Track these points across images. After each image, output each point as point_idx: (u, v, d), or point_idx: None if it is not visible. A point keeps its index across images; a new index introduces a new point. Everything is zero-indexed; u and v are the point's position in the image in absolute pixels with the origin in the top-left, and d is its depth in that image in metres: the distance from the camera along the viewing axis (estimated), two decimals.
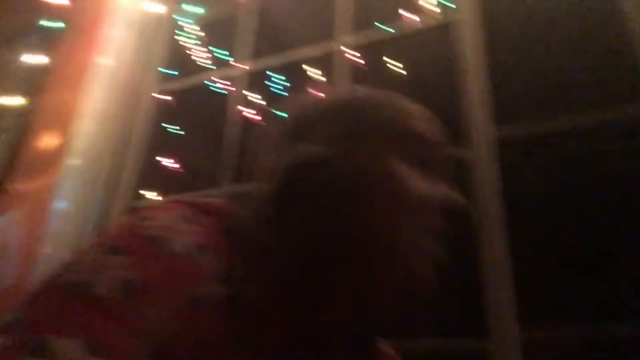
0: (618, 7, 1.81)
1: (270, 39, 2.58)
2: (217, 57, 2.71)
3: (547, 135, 1.76)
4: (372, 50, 2.26)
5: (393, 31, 2.21)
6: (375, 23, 2.26)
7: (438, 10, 2.16)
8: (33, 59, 2.65)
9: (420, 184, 0.57)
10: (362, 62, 2.21)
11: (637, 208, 1.57)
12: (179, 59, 2.80)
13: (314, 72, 2.36)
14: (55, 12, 2.80)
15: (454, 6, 2.09)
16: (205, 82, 2.64)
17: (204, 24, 2.90)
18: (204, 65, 2.75)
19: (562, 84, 1.87)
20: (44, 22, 2.85)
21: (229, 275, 0.51)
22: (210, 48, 2.76)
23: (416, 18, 2.18)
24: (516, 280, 1.55)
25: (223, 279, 0.50)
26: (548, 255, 1.68)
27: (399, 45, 2.24)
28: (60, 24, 2.89)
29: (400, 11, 2.22)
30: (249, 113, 2.41)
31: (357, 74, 2.20)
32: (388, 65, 2.26)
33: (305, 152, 0.58)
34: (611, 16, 1.84)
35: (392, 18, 2.23)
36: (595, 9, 1.93)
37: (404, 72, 2.22)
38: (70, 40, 2.69)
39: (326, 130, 0.60)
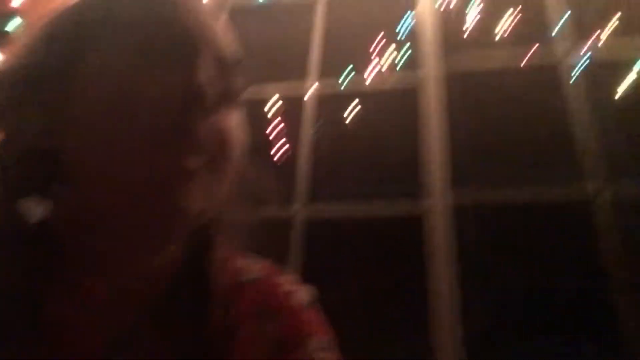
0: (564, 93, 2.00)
1: None
2: None
3: (497, 203, 1.87)
4: (334, 102, 2.30)
5: (356, 84, 2.30)
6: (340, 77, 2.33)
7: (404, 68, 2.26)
8: None
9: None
10: (324, 112, 2.25)
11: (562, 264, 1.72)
12: None
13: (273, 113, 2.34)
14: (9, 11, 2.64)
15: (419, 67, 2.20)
16: None
17: None
18: None
19: (512, 156, 2.00)
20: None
21: None
22: None
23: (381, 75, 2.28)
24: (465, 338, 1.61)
25: None
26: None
27: (362, 99, 2.29)
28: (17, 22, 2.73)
29: (368, 68, 2.31)
30: None
31: (318, 124, 2.23)
32: (349, 117, 2.30)
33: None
34: (555, 99, 2.02)
35: (360, 72, 2.32)
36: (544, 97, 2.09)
37: (365, 126, 2.26)
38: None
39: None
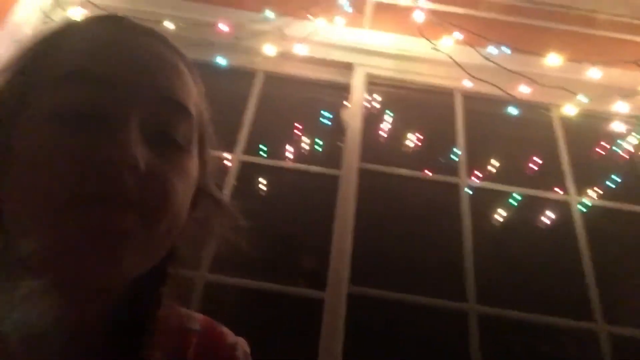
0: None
1: None
2: None
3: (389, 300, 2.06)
4: (251, 172, 2.36)
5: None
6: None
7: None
8: None
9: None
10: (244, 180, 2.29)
11: None
12: None
13: None
14: None
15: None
16: None
17: None
18: None
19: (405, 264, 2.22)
20: None
21: None
22: None
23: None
24: None
25: None
26: None
27: (281, 175, 2.41)
28: None
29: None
30: None
31: (237, 190, 2.25)
32: (265, 189, 2.39)
33: None
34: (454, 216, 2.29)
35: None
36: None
37: (279, 201, 2.37)
38: None
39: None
